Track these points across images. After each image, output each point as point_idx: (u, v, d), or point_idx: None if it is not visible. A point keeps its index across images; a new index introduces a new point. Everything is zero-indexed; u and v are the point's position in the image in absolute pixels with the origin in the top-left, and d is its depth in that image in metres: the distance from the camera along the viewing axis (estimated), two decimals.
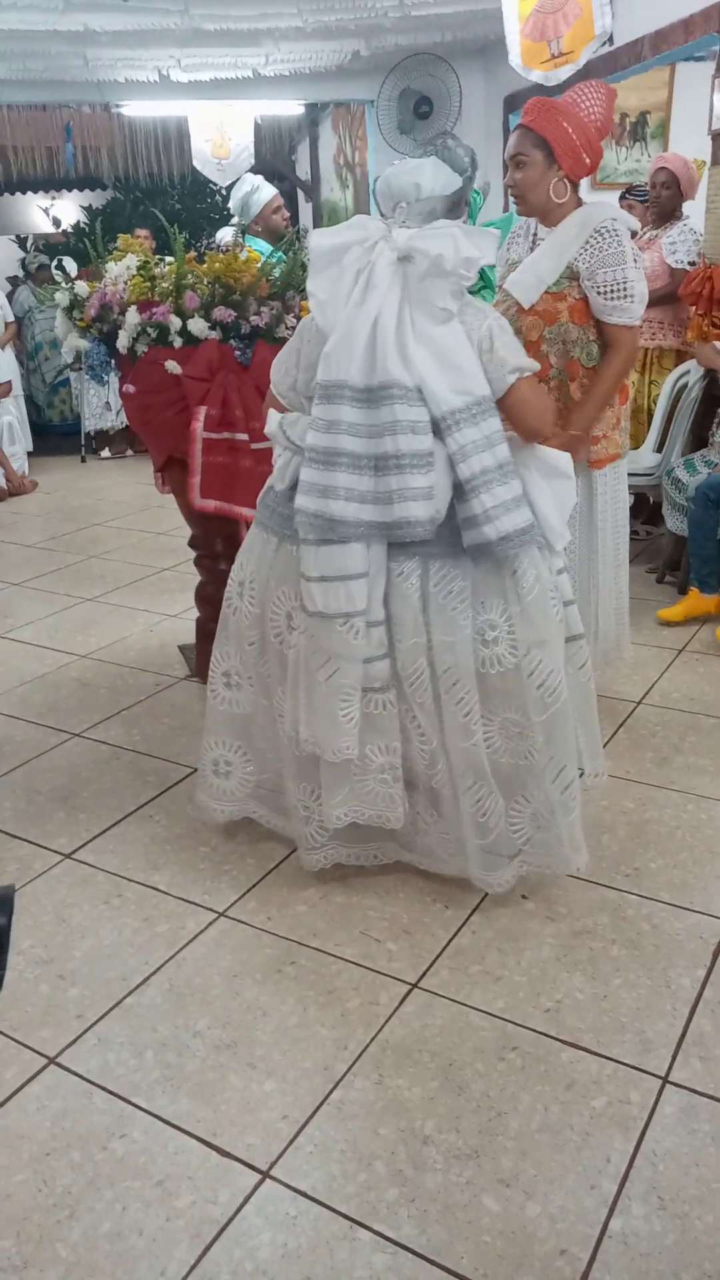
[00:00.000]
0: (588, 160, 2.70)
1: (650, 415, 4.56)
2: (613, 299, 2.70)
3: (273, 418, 2.25)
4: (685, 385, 4.35)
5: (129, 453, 8.28)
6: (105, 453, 8.32)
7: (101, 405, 8.16)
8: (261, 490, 2.38)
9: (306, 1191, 1.61)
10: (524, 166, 2.69)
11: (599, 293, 2.71)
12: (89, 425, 8.18)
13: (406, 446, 1.99)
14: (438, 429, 2.01)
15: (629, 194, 5.31)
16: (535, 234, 2.88)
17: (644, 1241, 1.50)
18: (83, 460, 8.10)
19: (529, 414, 2.12)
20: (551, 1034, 1.89)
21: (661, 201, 4.59)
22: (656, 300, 4.57)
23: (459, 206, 2.13)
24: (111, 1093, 1.81)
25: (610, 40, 4.38)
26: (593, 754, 2.38)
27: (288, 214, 4.16)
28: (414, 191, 2.07)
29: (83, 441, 8.25)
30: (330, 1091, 1.79)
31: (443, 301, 2.00)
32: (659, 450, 4.42)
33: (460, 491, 2.05)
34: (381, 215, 2.16)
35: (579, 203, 2.80)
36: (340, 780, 2.20)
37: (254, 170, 6.91)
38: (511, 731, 2.16)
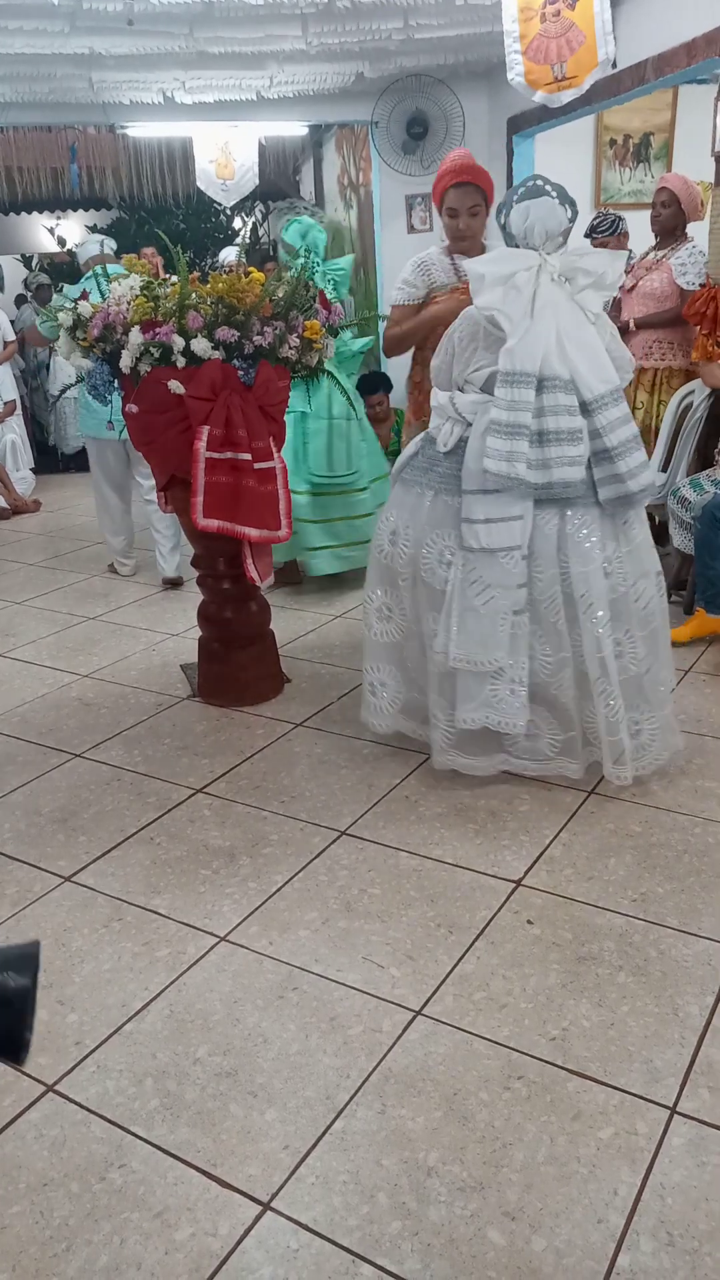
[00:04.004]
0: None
1: (657, 434, 4.56)
2: None
3: (439, 395, 2.79)
4: (690, 405, 4.35)
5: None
6: None
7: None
8: (403, 456, 2.91)
9: (308, 1224, 1.58)
10: (478, 215, 3.46)
11: None
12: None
13: (564, 425, 2.58)
14: (586, 410, 2.59)
15: (594, 233, 5.33)
16: (456, 264, 3.53)
17: (653, 1278, 1.47)
18: None
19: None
20: (557, 1063, 1.86)
21: (662, 220, 4.63)
22: (666, 321, 4.58)
23: (569, 233, 2.74)
24: (110, 1121, 1.79)
25: (613, 64, 4.40)
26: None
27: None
28: (558, 226, 2.65)
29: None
30: (332, 1121, 1.76)
31: (595, 308, 2.65)
32: (664, 469, 4.42)
33: (603, 457, 2.62)
34: (515, 243, 2.71)
35: None
36: (474, 690, 2.68)
37: (259, 190, 6.95)
38: (620, 649, 2.70)
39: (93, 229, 10.44)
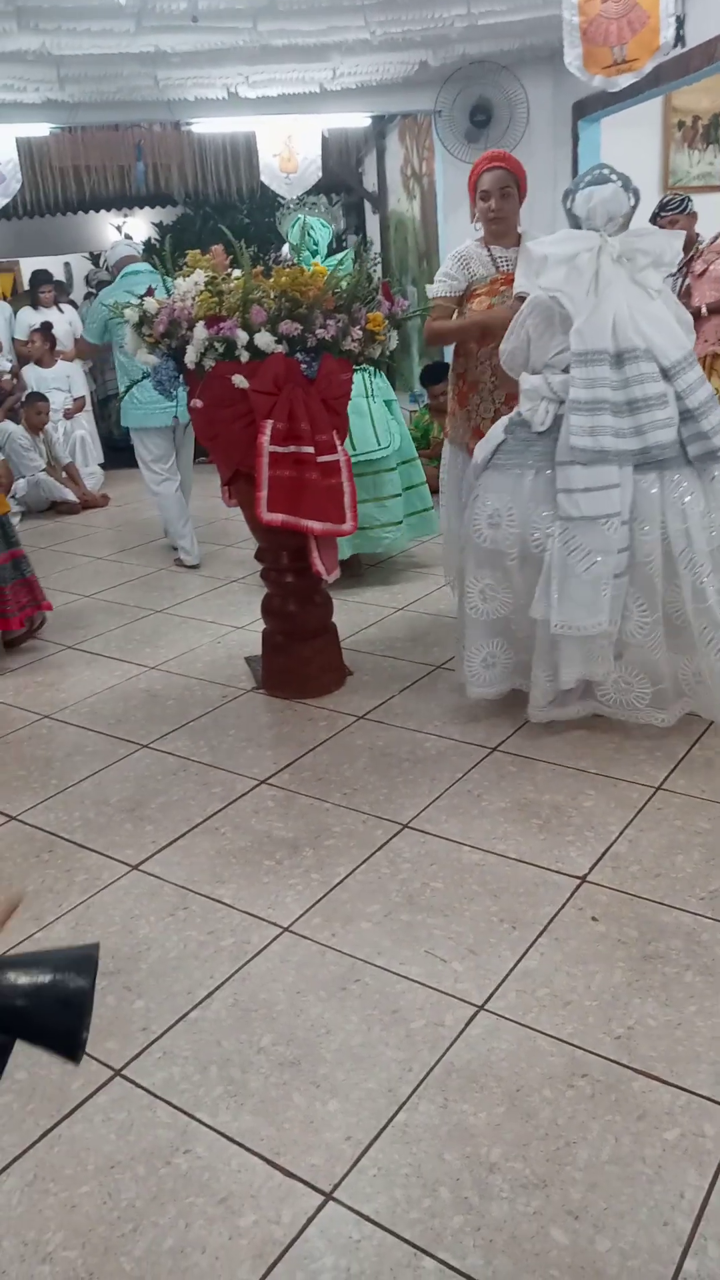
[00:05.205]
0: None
1: None
2: None
3: (531, 379, 2.91)
4: None
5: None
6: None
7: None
8: (489, 445, 2.98)
9: (370, 1215, 1.59)
10: (509, 197, 3.55)
11: None
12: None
13: (651, 391, 2.76)
14: (666, 375, 2.78)
15: (664, 210, 5.23)
16: (494, 255, 3.62)
17: None
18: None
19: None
20: (623, 1061, 1.84)
21: None
22: None
23: (630, 218, 2.91)
24: (176, 1107, 1.82)
25: (683, 42, 4.30)
26: None
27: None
28: (619, 209, 2.83)
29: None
30: (395, 1114, 1.76)
31: (657, 285, 2.84)
32: None
33: (688, 417, 2.79)
34: (578, 225, 2.89)
35: None
36: (576, 653, 2.88)
37: (321, 183, 6.96)
38: None
39: (159, 225, 10.55)
